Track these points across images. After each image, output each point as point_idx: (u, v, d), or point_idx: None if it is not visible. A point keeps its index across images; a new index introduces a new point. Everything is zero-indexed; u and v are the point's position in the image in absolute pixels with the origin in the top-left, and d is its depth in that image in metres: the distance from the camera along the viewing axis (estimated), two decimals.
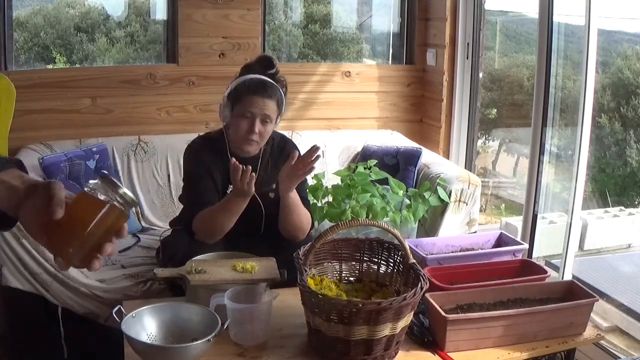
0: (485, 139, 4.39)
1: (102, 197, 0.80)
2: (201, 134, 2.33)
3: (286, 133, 2.57)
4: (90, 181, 0.82)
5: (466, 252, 2.09)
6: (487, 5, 3.34)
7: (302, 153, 2.16)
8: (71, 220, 0.78)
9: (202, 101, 3.23)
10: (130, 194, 0.82)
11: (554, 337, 1.65)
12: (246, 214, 1.99)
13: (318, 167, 3.24)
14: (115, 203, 0.80)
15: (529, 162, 2.74)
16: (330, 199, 2.61)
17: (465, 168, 3.25)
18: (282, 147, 2.22)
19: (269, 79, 2.07)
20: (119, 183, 0.82)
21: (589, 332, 1.69)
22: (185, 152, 2.18)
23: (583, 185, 2.58)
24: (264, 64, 2.12)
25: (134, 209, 2.87)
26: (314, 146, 1.95)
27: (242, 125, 2.04)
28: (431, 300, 1.60)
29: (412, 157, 3.06)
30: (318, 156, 1.94)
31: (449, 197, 2.65)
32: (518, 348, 1.60)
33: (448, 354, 1.55)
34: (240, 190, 1.89)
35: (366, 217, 2.44)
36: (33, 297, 2.24)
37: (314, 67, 3.57)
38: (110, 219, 0.80)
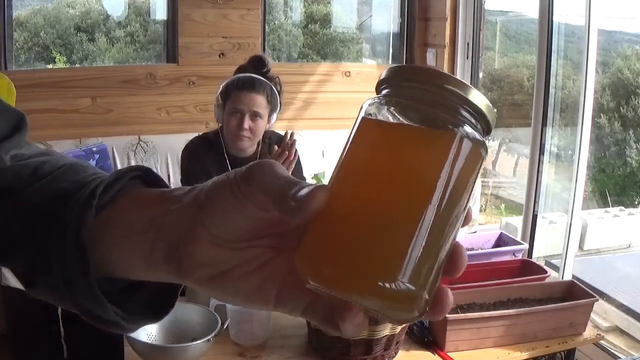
0: (489, 136, 4.38)
1: (420, 123, 0.35)
2: (199, 134, 2.34)
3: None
4: (372, 100, 0.36)
5: (466, 252, 2.09)
6: (487, 5, 3.34)
7: (298, 153, 2.16)
8: (371, 198, 0.33)
9: (202, 101, 3.23)
10: (481, 98, 0.35)
11: (554, 337, 1.64)
12: None
13: (318, 167, 3.25)
14: (466, 130, 0.34)
15: (529, 162, 2.74)
16: None
17: None
18: None
19: (257, 76, 2.09)
20: (450, 78, 0.35)
21: (589, 332, 1.69)
22: (182, 152, 2.19)
23: (583, 185, 2.58)
24: (256, 63, 2.14)
25: None
26: (287, 131, 2.03)
27: (232, 122, 2.06)
28: None
29: None
30: (295, 140, 1.99)
31: None
32: (518, 348, 1.59)
33: (448, 354, 1.55)
34: None
35: None
36: (33, 297, 2.24)
37: (314, 67, 3.57)
38: (465, 170, 0.34)
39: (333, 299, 0.34)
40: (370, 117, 0.36)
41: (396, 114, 0.35)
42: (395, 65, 0.33)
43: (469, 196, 0.35)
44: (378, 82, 0.37)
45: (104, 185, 0.41)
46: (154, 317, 0.45)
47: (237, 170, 0.38)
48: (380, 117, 0.35)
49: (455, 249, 0.35)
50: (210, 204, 0.38)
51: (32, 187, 0.45)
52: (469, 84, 0.35)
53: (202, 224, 0.37)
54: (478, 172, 0.35)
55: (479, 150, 0.35)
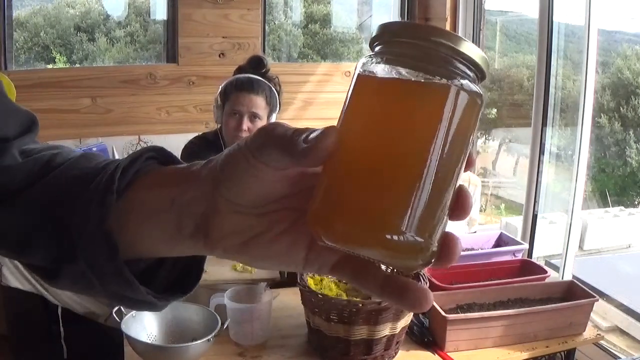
0: (485, 138, 4.39)
1: (415, 78, 0.34)
2: (199, 134, 2.34)
3: None
4: (366, 58, 0.37)
5: (466, 252, 2.09)
6: (487, 5, 3.34)
7: None
8: (373, 154, 0.34)
9: (202, 101, 3.23)
10: (473, 48, 0.35)
11: (554, 337, 1.64)
12: None
13: None
14: (460, 81, 0.34)
15: (529, 162, 2.74)
16: None
17: None
18: None
19: (256, 76, 2.08)
20: (440, 30, 0.35)
21: (589, 332, 1.69)
22: (182, 152, 2.20)
23: (583, 185, 2.58)
24: (255, 63, 2.14)
25: None
26: None
27: (231, 123, 2.06)
28: None
29: None
30: None
31: None
32: (518, 348, 1.59)
33: (448, 354, 1.55)
34: None
35: None
36: (33, 297, 2.24)
37: (314, 67, 3.57)
38: (463, 120, 0.34)
39: (349, 254, 0.35)
40: (366, 74, 0.36)
41: (391, 70, 0.35)
42: (386, 22, 0.37)
43: (469, 145, 0.35)
44: (370, 39, 0.38)
45: (121, 169, 0.42)
46: (183, 292, 0.45)
47: (248, 136, 0.38)
48: (376, 74, 0.36)
49: (459, 192, 0.36)
50: (225, 174, 0.38)
51: (46, 178, 0.45)
52: (460, 35, 0.35)
53: (220, 195, 0.38)
54: (476, 121, 0.36)
55: (475, 100, 0.35)
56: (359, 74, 0.36)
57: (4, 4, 2.90)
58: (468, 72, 0.35)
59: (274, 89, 2.11)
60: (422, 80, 0.34)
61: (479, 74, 0.36)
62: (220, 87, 2.12)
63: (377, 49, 0.37)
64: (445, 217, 0.35)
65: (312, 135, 0.35)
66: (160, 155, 0.45)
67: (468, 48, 0.34)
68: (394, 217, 0.32)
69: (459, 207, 0.36)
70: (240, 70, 2.15)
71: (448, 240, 0.35)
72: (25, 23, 3.37)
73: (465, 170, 0.37)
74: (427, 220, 0.33)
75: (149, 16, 3.54)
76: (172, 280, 0.46)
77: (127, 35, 3.51)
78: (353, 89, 0.36)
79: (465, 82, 0.34)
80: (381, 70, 0.36)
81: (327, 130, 0.35)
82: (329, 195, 0.34)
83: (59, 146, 0.52)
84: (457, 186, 0.36)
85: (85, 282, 0.43)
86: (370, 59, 0.37)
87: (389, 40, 0.36)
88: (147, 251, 0.42)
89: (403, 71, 0.35)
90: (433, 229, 0.34)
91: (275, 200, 0.38)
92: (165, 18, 3.27)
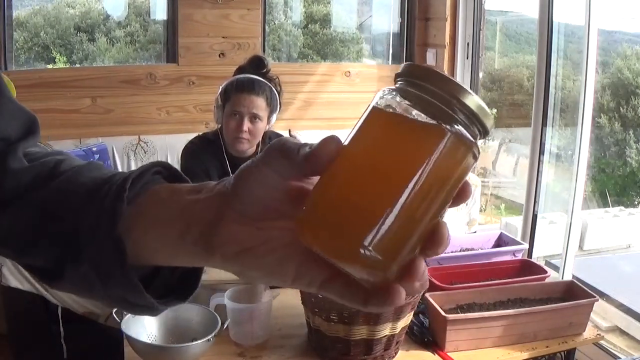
0: (485, 138, 4.39)
1: (420, 119, 0.37)
2: (199, 134, 2.34)
3: (286, 133, 2.57)
4: (384, 90, 0.40)
5: (466, 252, 2.09)
6: (487, 5, 3.34)
7: None
8: (362, 175, 0.37)
9: (202, 101, 3.23)
10: (477, 102, 0.38)
11: (554, 337, 1.64)
12: None
13: None
14: (458, 129, 0.37)
15: (529, 162, 2.74)
16: None
17: None
18: None
19: (256, 77, 2.08)
20: (455, 83, 0.38)
21: (589, 332, 1.69)
22: (182, 152, 2.19)
23: (583, 185, 2.58)
24: (255, 64, 2.13)
25: None
26: (289, 130, 2.03)
27: (231, 124, 2.05)
28: (431, 300, 1.60)
29: None
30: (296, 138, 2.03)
31: None
32: (518, 348, 1.59)
33: (448, 353, 1.55)
34: None
35: None
36: (33, 297, 2.24)
37: (314, 67, 3.57)
38: (451, 166, 0.37)
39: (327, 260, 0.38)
40: (378, 106, 0.39)
41: (402, 106, 0.39)
42: (410, 63, 0.40)
43: (453, 189, 0.38)
44: (395, 74, 0.41)
45: (131, 179, 0.44)
46: (180, 298, 0.48)
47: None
48: (388, 107, 0.39)
49: (436, 229, 0.38)
50: (236, 185, 0.41)
51: (53, 183, 0.47)
52: (469, 89, 0.38)
53: (230, 206, 0.40)
54: (465, 170, 0.38)
55: (467, 151, 0.38)
56: (373, 106, 0.39)
57: (4, 4, 2.90)
58: (468, 123, 0.38)
59: (274, 89, 2.11)
60: (423, 121, 0.38)
61: (481, 127, 0.39)
62: (221, 87, 2.12)
63: (397, 85, 0.40)
64: (410, 247, 0.37)
65: (314, 144, 0.39)
66: (166, 171, 0.48)
67: (472, 101, 0.38)
68: (363, 232, 0.35)
69: (432, 243, 0.38)
70: (240, 70, 2.14)
71: (412, 264, 0.37)
72: (25, 23, 3.37)
73: (460, 202, 0.39)
74: (392, 244, 0.36)
75: (149, 16, 3.55)
76: (170, 286, 0.48)
77: (127, 35, 3.51)
78: (363, 117, 0.40)
79: (463, 132, 0.38)
80: (393, 103, 0.39)
81: (327, 138, 0.38)
82: (316, 201, 0.38)
83: (63, 152, 0.54)
84: (435, 223, 0.38)
85: (86, 284, 0.45)
86: (386, 92, 0.40)
87: (407, 80, 0.39)
88: (148, 258, 0.44)
89: (413, 110, 0.38)
90: (396, 254, 0.36)
91: (277, 216, 0.40)
92: (165, 18, 3.27)
